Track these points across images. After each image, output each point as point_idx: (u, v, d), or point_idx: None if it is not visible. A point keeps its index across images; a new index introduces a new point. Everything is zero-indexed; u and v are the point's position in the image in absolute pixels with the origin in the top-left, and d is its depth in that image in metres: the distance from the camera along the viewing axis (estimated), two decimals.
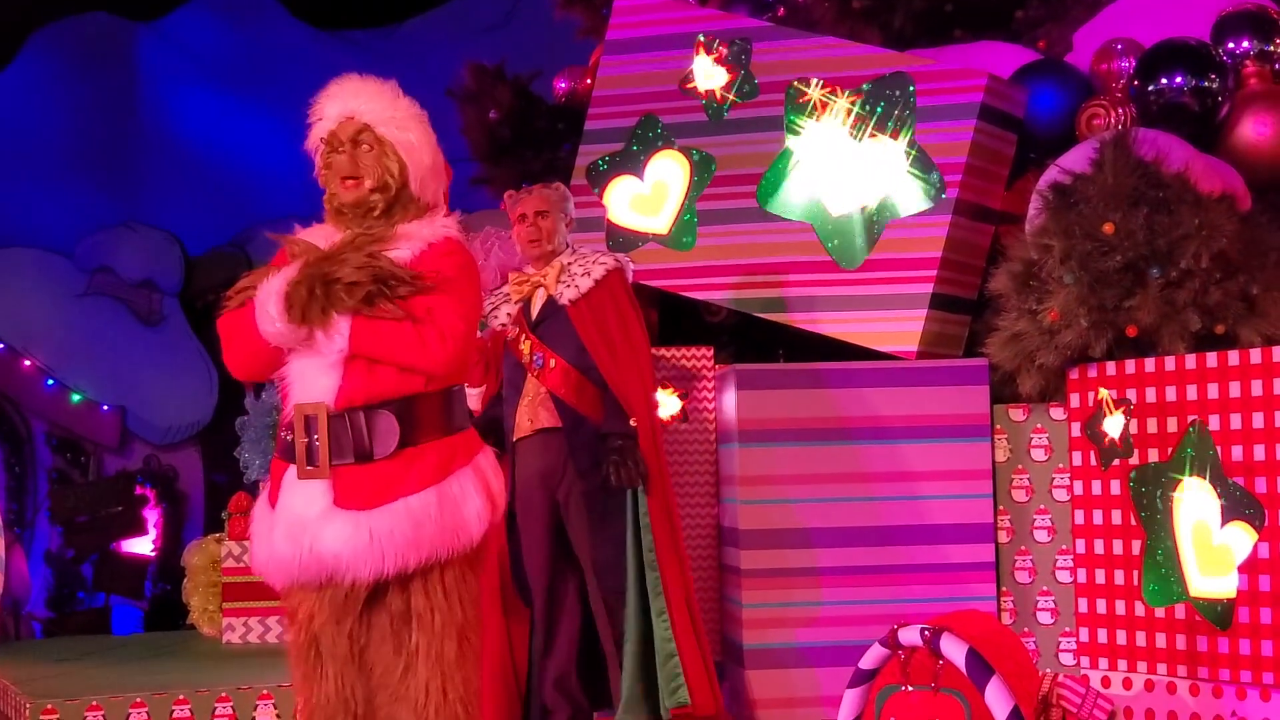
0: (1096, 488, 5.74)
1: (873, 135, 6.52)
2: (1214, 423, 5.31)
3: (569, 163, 7.35)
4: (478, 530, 3.85)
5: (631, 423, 5.46)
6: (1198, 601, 5.34)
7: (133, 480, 12.41)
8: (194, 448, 12.89)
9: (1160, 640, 5.46)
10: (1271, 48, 6.85)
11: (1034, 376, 5.89)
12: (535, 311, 5.59)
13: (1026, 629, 5.95)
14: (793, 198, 6.69)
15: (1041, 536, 5.97)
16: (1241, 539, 5.19)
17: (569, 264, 5.61)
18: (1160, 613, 5.47)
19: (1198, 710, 5.30)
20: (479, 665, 3.95)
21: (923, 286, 6.34)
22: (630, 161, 7.08)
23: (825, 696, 5.73)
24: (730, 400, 6.14)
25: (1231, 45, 6.85)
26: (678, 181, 6.97)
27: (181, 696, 5.78)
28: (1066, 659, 5.87)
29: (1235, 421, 5.24)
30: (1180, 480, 5.41)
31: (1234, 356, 5.31)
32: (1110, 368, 5.71)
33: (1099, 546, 5.72)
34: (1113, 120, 6.64)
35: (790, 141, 6.71)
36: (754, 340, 7.03)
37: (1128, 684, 5.57)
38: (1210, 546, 5.31)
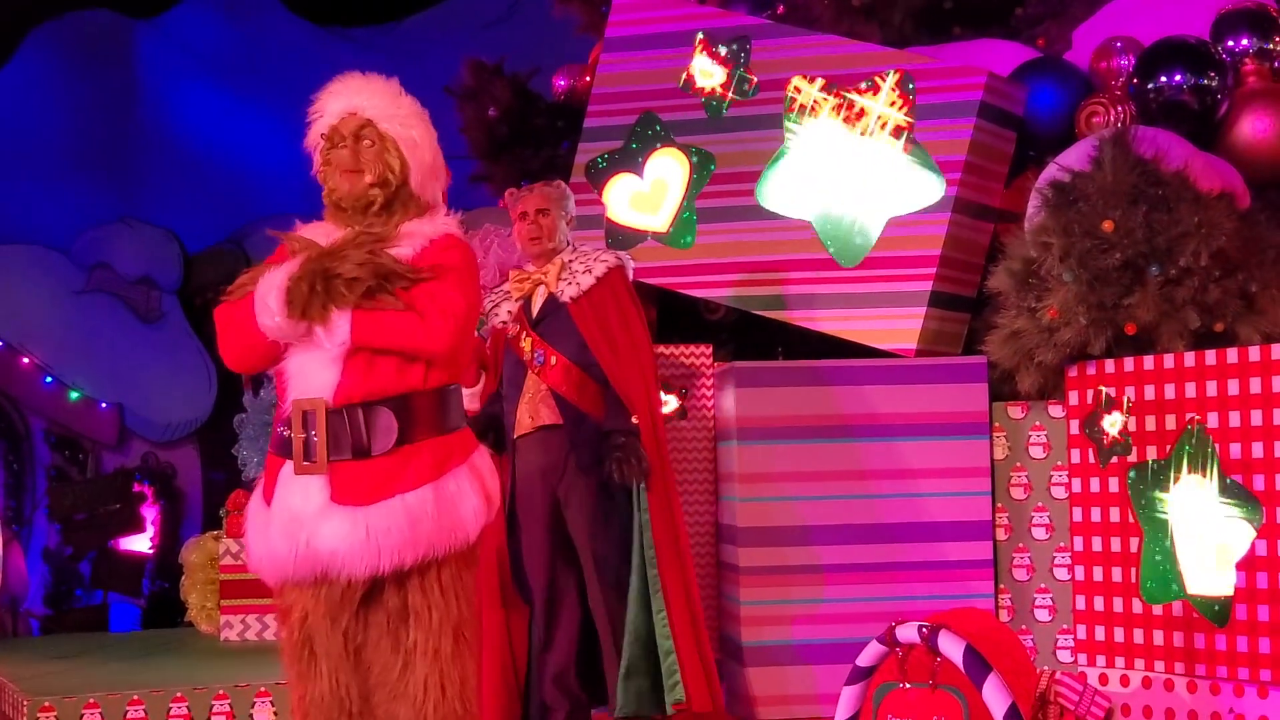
0: (1095, 485, 5.75)
1: (872, 133, 6.52)
2: (1213, 420, 5.31)
3: (568, 160, 7.34)
4: (474, 528, 3.84)
5: (634, 419, 5.46)
6: (1195, 599, 5.34)
7: (131, 478, 12.42)
8: (192, 445, 12.89)
9: (1158, 637, 5.46)
10: (1271, 46, 6.86)
11: (1033, 374, 5.90)
12: (536, 309, 5.58)
13: (1024, 626, 5.95)
14: (792, 195, 6.68)
15: (1040, 534, 5.97)
16: (1239, 536, 5.19)
17: (570, 261, 5.61)
18: (1158, 610, 5.47)
19: (1195, 707, 5.31)
20: (477, 662, 3.94)
21: (922, 284, 6.35)
22: (629, 159, 7.07)
23: (823, 694, 5.73)
24: (729, 398, 6.14)
25: (1231, 43, 6.85)
26: (677, 179, 6.96)
27: (179, 694, 5.78)
28: (1064, 656, 5.87)
29: (1234, 419, 5.24)
30: (1179, 478, 5.41)
31: (1233, 354, 5.31)
32: (1109, 365, 5.71)
33: (1097, 544, 5.72)
34: (1112, 118, 6.64)
35: (789, 139, 6.71)
36: (753, 338, 7.02)
37: (1125, 681, 5.57)
38: (1208, 544, 5.31)
